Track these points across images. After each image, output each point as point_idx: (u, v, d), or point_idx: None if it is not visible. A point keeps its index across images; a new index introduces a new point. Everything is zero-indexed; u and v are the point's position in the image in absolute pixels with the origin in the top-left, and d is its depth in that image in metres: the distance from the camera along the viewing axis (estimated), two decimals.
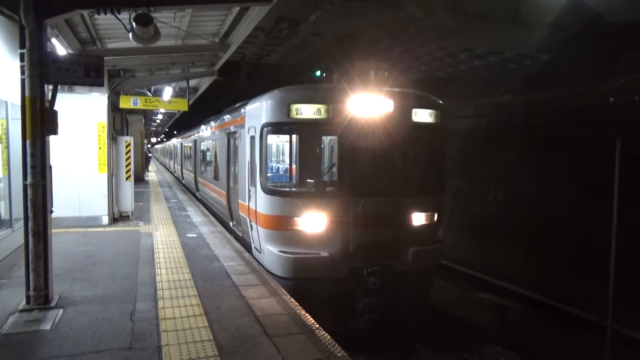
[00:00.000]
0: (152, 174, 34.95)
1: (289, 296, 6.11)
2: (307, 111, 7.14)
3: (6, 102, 7.14)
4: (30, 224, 5.38)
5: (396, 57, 15.90)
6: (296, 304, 5.81)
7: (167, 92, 14.95)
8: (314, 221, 7.06)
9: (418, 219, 7.63)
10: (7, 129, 7.32)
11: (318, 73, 10.76)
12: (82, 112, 10.82)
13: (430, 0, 11.50)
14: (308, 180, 7.68)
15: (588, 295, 9.47)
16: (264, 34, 13.04)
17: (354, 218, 7.16)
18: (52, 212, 5.74)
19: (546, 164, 13.32)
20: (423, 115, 7.69)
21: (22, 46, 5.32)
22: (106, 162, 11.09)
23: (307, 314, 5.44)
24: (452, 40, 14.31)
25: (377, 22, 12.12)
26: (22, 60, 5.32)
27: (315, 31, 12.95)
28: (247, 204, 8.29)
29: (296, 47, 15.46)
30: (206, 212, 13.96)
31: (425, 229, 7.75)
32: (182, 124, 37.62)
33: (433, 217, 7.84)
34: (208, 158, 15.01)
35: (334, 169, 7.51)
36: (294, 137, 7.72)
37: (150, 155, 40.92)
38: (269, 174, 7.99)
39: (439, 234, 8.19)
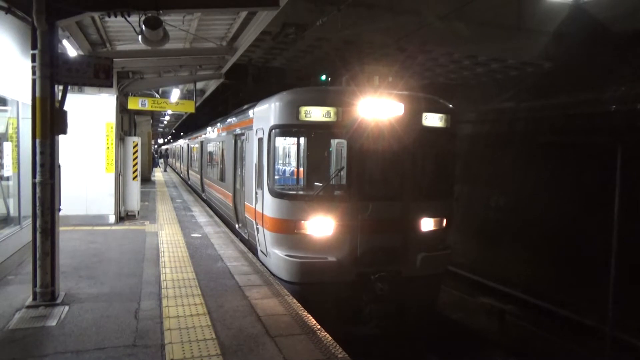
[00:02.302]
0: (159, 174, 35.11)
1: (291, 297, 6.15)
2: (316, 114, 7.08)
3: (17, 102, 7.25)
4: (38, 222, 5.46)
5: (401, 62, 15.98)
6: (298, 305, 5.85)
7: (175, 94, 15.10)
8: (322, 225, 7.00)
9: (427, 224, 7.56)
10: (18, 128, 7.43)
11: (323, 77, 10.83)
12: (91, 113, 10.96)
13: (443, 8, 11.59)
14: (316, 183, 7.63)
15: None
16: (270, 38, 13.16)
17: (362, 222, 7.09)
18: (59, 210, 5.83)
19: (547, 170, 13.34)
20: (433, 120, 7.64)
21: (33, 47, 5.41)
22: (114, 161, 11.21)
23: (309, 315, 5.48)
24: (456, 47, 14.39)
25: (384, 28, 12.22)
26: (33, 60, 5.42)
27: (321, 36, 13.06)
28: (253, 206, 8.28)
29: (302, 52, 15.58)
30: (211, 212, 14.04)
31: (434, 234, 7.67)
32: (189, 125, 37.85)
33: (442, 222, 7.78)
34: (214, 159, 15.08)
35: (343, 173, 7.49)
36: (302, 139, 7.66)
37: (156, 156, 40.92)
38: (276, 177, 7.97)
39: (447, 240, 8.13)
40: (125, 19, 6.05)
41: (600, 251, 9.69)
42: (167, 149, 50.09)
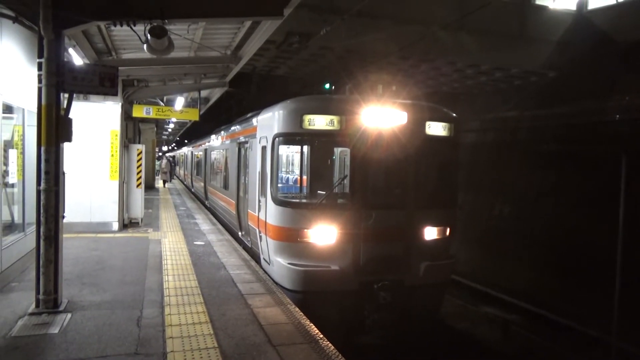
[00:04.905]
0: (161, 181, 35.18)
1: (293, 306, 6.13)
2: (320, 122, 7.10)
3: (23, 109, 7.31)
4: (42, 229, 5.48)
5: (404, 71, 16.04)
6: (301, 313, 5.83)
7: (179, 102, 15.19)
8: (325, 233, 6.99)
9: (430, 233, 7.53)
10: (23, 135, 7.48)
11: (327, 85, 10.87)
12: (96, 120, 11.02)
13: (446, 18, 11.67)
14: (319, 191, 7.61)
15: None
16: (274, 47, 13.25)
17: (365, 231, 7.08)
18: (63, 217, 5.84)
19: (550, 179, 13.29)
20: (436, 128, 7.64)
21: (40, 55, 5.47)
22: (118, 169, 11.25)
23: (312, 324, 5.46)
24: (459, 56, 14.44)
25: (387, 38, 12.29)
26: (39, 69, 5.47)
27: (325, 45, 13.14)
28: (256, 214, 8.28)
29: (306, 60, 15.66)
30: (214, 220, 14.05)
31: (438, 243, 7.64)
32: (193, 133, 37.96)
33: (445, 231, 7.76)
34: (218, 167, 15.12)
35: (346, 181, 7.49)
36: (306, 148, 7.65)
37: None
38: (279, 185, 7.97)
39: (451, 249, 8.07)
40: (131, 28, 6.11)
41: (605, 259, 9.61)
42: (173, 156, 50.15)
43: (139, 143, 17.61)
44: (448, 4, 13.33)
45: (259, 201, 8.12)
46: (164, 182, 30.48)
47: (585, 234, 11.65)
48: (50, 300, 5.60)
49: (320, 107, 7.33)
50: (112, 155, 11.21)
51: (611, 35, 13.39)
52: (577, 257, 11.60)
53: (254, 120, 9.09)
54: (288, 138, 7.47)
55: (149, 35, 6.22)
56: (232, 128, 12.38)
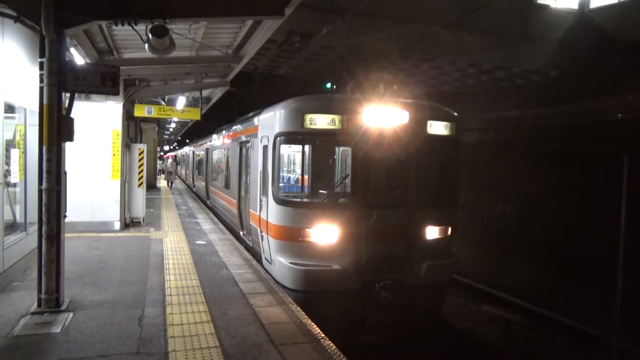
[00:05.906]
0: (164, 181, 35.22)
1: (295, 305, 6.13)
2: (321, 121, 7.11)
3: (25, 109, 7.32)
4: (44, 228, 5.49)
5: (405, 70, 16.03)
6: (302, 313, 5.83)
7: (181, 101, 15.18)
8: (326, 233, 7.00)
9: (432, 232, 7.54)
10: (25, 135, 7.49)
11: (328, 85, 10.87)
12: (97, 120, 11.03)
13: (447, 17, 11.68)
14: (321, 191, 7.61)
15: None
16: (276, 47, 13.26)
17: (367, 230, 7.08)
18: (65, 216, 5.86)
19: (551, 179, 13.26)
20: (438, 128, 7.65)
21: (41, 55, 5.47)
22: (119, 168, 11.26)
23: (313, 324, 5.46)
24: (460, 55, 14.43)
25: (388, 37, 12.30)
26: (41, 68, 5.47)
27: (326, 44, 13.14)
28: (258, 213, 8.29)
29: (307, 60, 15.67)
30: (216, 219, 14.06)
31: (439, 243, 7.64)
32: (194, 132, 37.99)
33: (447, 230, 7.76)
34: (220, 167, 15.14)
35: (347, 180, 7.49)
36: (307, 147, 7.66)
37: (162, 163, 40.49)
38: (281, 184, 7.98)
39: (452, 249, 8.07)
40: (132, 27, 6.11)
41: (606, 259, 9.60)
42: (175, 156, 49.87)
43: (141, 142, 17.63)
44: (449, 3, 13.33)
45: (261, 200, 8.13)
46: (168, 182, 30.34)
47: (587, 233, 11.63)
48: (52, 300, 5.61)
49: (322, 106, 7.33)
50: (114, 154, 11.23)
51: (613, 34, 13.37)
52: (578, 257, 11.59)
53: (256, 119, 9.09)
54: (289, 137, 7.47)
55: (150, 34, 6.23)
56: (234, 127, 12.38)
